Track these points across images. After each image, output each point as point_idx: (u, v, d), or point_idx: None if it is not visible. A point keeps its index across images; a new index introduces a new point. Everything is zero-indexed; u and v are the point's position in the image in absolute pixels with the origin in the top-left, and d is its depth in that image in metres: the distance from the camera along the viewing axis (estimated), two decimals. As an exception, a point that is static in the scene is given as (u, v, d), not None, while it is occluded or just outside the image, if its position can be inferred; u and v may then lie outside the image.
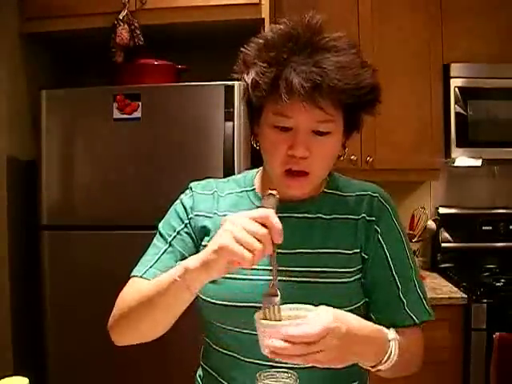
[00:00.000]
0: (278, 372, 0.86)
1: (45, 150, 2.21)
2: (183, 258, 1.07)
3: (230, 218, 0.85)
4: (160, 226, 1.13)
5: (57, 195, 2.22)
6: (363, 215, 1.05)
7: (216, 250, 0.83)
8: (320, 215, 1.06)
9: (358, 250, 1.04)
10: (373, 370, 0.93)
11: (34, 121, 2.30)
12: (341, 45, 0.95)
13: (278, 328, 0.81)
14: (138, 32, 2.20)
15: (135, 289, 1.03)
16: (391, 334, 0.93)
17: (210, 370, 1.12)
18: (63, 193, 2.23)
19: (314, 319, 0.82)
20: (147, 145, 2.16)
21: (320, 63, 0.91)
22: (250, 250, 0.80)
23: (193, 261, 0.88)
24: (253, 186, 1.13)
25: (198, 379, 1.18)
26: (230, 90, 2.09)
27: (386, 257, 1.04)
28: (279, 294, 0.86)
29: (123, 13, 2.19)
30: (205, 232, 1.10)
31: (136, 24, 2.20)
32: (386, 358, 0.91)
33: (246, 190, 1.13)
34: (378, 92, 0.98)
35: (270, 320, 0.85)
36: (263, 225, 0.82)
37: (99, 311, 2.16)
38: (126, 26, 2.19)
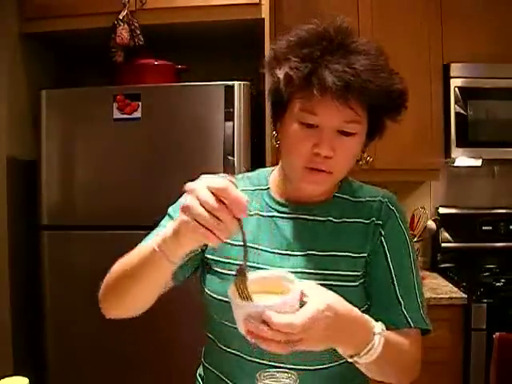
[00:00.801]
0: (278, 372, 0.86)
1: (45, 150, 2.21)
2: None
3: (190, 188, 0.78)
4: (170, 208, 1.11)
5: (57, 195, 2.22)
6: (373, 219, 1.06)
7: (179, 227, 0.80)
8: (330, 218, 1.06)
9: (366, 254, 1.04)
10: (350, 359, 0.88)
11: (34, 121, 2.30)
12: (370, 50, 0.97)
13: (259, 309, 0.76)
14: (138, 32, 2.20)
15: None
16: (378, 327, 0.89)
17: (211, 369, 1.12)
18: (63, 193, 2.23)
19: (305, 306, 0.79)
20: (147, 145, 2.16)
21: (353, 64, 0.93)
22: (209, 229, 0.76)
23: (168, 230, 0.85)
24: (267, 185, 1.13)
25: (199, 378, 1.18)
26: (229, 90, 2.09)
27: (386, 258, 1.04)
28: (247, 276, 0.83)
29: (123, 13, 2.19)
30: None
31: (136, 24, 2.20)
32: (365, 351, 0.86)
33: (260, 189, 1.12)
34: (405, 98, 1.00)
35: (241, 293, 0.81)
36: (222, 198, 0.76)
37: (99, 311, 2.17)
38: (125, 25, 2.19)
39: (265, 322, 0.76)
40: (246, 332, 0.78)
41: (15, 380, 0.93)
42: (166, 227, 0.88)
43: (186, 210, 0.77)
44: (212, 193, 0.76)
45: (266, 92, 1.06)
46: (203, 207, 0.75)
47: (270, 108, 1.06)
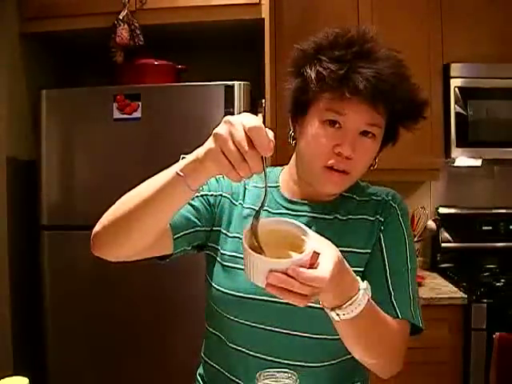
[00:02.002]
0: (278, 372, 0.86)
1: (45, 150, 2.21)
2: (197, 214, 1.07)
3: (228, 120, 0.79)
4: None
5: (57, 195, 2.22)
6: (377, 217, 1.08)
7: (206, 153, 0.81)
8: (337, 216, 1.09)
9: (369, 251, 1.06)
10: (332, 313, 0.85)
11: (34, 121, 2.30)
12: (395, 60, 1.01)
13: (284, 265, 0.77)
14: (138, 32, 2.20)
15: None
16: (363, 284, 0.87)
17: (213, 365, 1.12)
18: (63, 193, 2.23)
19: (325, 260, 0.79)
20: (147, 145, 2.16)
21: (381, 70, 0.96)
22: (233, 165, 0.78)
23: (193, 155, 0.85)
24: (277, 183, 1.14)
25: (199, 378, 1.18)
26: (229, 90, 2.09)
27: (382, 252, 1.05)
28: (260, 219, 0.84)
29: (123, 13, 2.19)
30: (224, 217, 1.10)
31: (136, 24, 2.20)
32: (349, 303, 0.84)
33: (270, 186, 1.13)
34: (426, 108, 1.04)
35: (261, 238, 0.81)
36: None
37: (99, 311, 2.18)
38: (125, 25, 2.19)
39: (289, 276, 0.76)
40: (268, 284, 0.78)
41: (15, 380, 0.93)
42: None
43: (217, 138, 0.78)
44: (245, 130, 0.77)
45: (289, 90, 1.06)
46: (233, 143, 0.77)
47: (291, 106, 1.07)
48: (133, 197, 0.93)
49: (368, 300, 0.87)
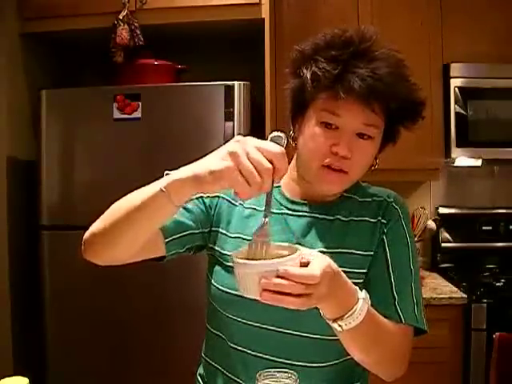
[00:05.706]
0: (278, 372, 0.86)
1: (45, 150, 2.21)
2: (191, 216, 1.08)
3: (240, 140, 0.82)
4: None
5: (57, 195, 2.22)
6: (379, 218, 1.08)
7: (214, 172, 0.80)
8: (338, 217, 1.09)
9: (372, 253, 1.06)
10: (334, 324, 0.87)
11: (34, 121, 2.30)
12: (394, 60, 1.01)
13: (273, 267, 0.78)
14: (138, 32, 2.20)
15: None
16: (362, 293, 0.89)
17: (213, 364, 1.13)
18: (63, 193, 2.23)
19: (315, 262, 0.80)
20: (147, 145, 2.16)
21: (378, 70, 0.97)
22: (248, 182, 0.79)
23: (184, 172, 0.85)
24: (278, 183, 1.14)
25: (199, 378, 1.18)
26: (229, 90, 2.09)
27: (386, 255, 1.05)
28: (270, 235, 0.85)
29: (123, 13, 2.19)
30: (222, 217, 1.11)
31: (136, 24, 2.20)
32: (350, 313, 0.86)
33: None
34: (423, 108, 1.04)
35: (254, 258, 0.82)
36: (269, 160, 0.79)
37: (99, 311, 2.18)
38: (126, 26, 2.19)
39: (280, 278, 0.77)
40: (261, 293, 0.78)
41: (15, 380, 0.93)
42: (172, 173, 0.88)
43: (234, 156, 0.79)
44: (262, 153, 0.79)
45: (288, 91, 1.07)
46: (249, 161, 0.79)
47: (290, 107, 1.08)
48: (120, 207, 0.94)
49: (368, 309, 0.88)
